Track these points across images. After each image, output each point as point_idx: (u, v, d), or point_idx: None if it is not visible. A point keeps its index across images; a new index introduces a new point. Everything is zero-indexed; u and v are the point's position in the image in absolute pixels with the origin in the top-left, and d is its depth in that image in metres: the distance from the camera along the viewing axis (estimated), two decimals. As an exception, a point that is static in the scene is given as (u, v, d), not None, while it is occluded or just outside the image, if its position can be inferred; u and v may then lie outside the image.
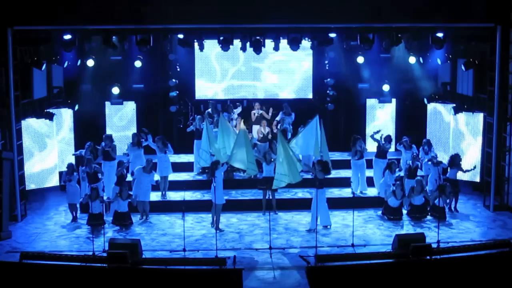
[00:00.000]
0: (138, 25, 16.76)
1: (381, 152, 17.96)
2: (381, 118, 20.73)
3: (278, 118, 19.58)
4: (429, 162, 17.25)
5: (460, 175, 17.51)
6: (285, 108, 19.63)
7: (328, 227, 15.93)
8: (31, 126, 17.69)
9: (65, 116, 19.21)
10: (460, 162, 17.26)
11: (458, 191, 17.29)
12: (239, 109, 20.02)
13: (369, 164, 18.22)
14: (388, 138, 18.16)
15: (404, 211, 16.73)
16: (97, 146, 17.82)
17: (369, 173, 18.24)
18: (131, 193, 16.37)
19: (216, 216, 15.75)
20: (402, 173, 17.31)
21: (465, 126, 18.56)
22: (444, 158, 18.52)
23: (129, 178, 17.36)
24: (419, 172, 17.49)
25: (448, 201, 16.75)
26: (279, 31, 17.90)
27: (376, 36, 17.67)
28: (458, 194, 17.35)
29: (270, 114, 20.06)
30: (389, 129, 20.27)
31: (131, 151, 17.94)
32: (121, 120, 20.44)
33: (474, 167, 17.42)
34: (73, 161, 18.02)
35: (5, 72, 16.39)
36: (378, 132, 18.17)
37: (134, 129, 19.86)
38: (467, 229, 15.97)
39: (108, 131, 19.61)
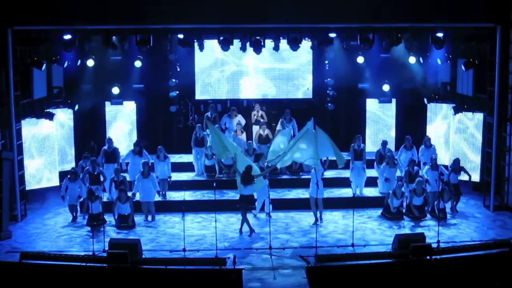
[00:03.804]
0: (138, 25, 16.76)
1: (380, 157, 17.99)
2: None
3: (278, 127, 19.44)
4: (430, 165, 17.25)
5: (461, 175, 17.51)
6: (286, 114, 19.61)
7: None
8: (31, 126, 17.70)
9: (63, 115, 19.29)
10: (461, 165, 17.28)
11: (460, 194, 17.27)
12: (242, 120, 19.91)
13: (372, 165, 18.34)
14: (383, 143, 18.21)
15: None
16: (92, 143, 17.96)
17: (369, 173, 18.26)
18: (129, 195, 16.38)
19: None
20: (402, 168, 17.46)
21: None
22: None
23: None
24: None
25: (445, 204, 16.63)
26: (279, 31, 17.89)
27: (376, 36, 17.65)
28: (460, 197, 17.32)
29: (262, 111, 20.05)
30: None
31: (131, 159, 17.93)
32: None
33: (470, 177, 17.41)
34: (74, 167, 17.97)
35: (5, 72, 16.39)
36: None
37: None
38: (467, 229, 15.97)
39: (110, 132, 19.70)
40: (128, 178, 17.39)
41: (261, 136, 19.06)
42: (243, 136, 19.50)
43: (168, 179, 17.68)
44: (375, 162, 18.14)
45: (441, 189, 16.40)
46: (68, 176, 16.85)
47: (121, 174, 16.97)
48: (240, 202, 15.66)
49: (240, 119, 19.68)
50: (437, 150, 18.42)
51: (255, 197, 16.06)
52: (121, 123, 20.31)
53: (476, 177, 18.13)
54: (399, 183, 16.65)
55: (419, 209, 16.45)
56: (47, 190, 18.45)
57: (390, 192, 16.55)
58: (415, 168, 17.23)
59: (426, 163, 17.76)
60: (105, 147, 17.90)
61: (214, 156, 18.18)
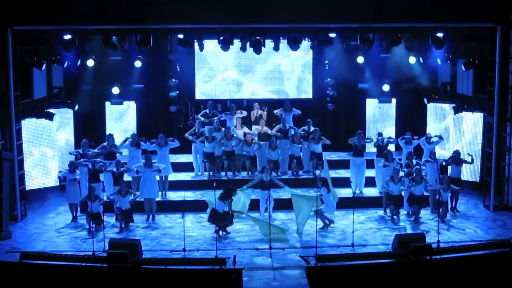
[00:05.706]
0: (138, 25, 16.77)
1: (379, 147, 18.04)
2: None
3: (277, 111, 19.55)
4: (429, 159, 17.26)
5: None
6: (285, 104, 19.61)
7: None
8: (31, 126, 17.69)
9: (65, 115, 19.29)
10: (461, 157, 17.28)
11: (460, 188, 17.26)
12: (243, 113, 19.89)
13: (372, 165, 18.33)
14: (379, 135, 18.37)
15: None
16: (92, 143, 17.93)
17: (368, 173, 18.27)
18: (130, 190, 16.38)
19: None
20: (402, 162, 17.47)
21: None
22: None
23: (127, 177, 17.29)
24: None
25: (446, 195, 16.57)
26: (279, 31, 17.90)
27: (376, 36, 17.66)
28: (459, 194, 17.30)
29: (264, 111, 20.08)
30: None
31: (130, 152, 17.90)
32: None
33: (472, 160, 17.40)
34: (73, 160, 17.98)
35: (5, 72, 16.40)
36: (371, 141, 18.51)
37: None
38: (467, 229, 15.97)
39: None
40: (127, 177, 17.35)
41: (260, 133, 19.06)
42: (243, 130, 19.43)
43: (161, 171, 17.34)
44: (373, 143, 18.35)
45: (441, 178, 16.36)
46: (68, 168, 16.88)
47: (121, 167, 16.90)
48: (210, 215, 15.71)
49: (240, 114, 19.67)
50: (436, 149, 18.40)
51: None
52: (121, 123, 20.32)
53: (476, 177, 18.14)
54: (396, 168, 16.61)
55: (419, 199, 16.37)
56: (47, 190, 18.47)
57: (388, 178, 16.50)
58: (414, 161, 17.23)
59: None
60: (105, 144, 17.86)
61: (214, 139, 18.21)
